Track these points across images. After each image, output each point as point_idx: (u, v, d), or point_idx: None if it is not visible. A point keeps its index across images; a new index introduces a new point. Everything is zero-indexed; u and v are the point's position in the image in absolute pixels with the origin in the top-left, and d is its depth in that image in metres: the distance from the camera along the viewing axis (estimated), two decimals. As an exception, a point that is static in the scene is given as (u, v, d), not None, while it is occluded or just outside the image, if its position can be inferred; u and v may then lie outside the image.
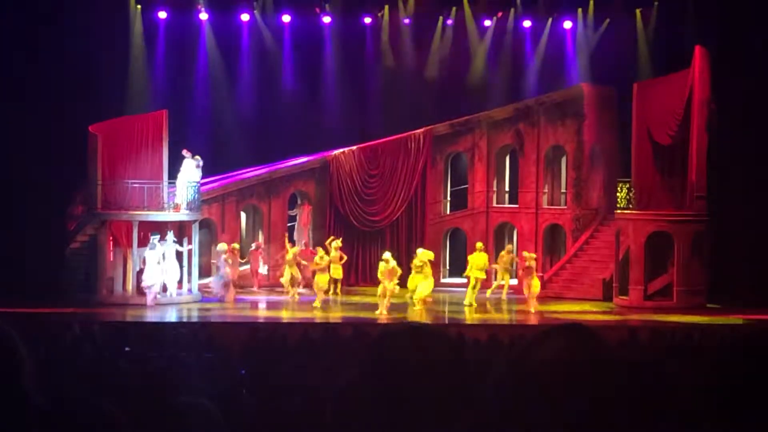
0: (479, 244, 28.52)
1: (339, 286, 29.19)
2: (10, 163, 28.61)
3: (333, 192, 32.60)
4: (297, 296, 27.67)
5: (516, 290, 28.40)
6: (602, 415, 2.61)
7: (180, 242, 27.76)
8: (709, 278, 28.15)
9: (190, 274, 27.99)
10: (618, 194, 28.65)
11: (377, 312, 25.39)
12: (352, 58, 34.56)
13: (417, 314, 25.57)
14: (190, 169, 28.52)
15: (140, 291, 26.76)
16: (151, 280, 26.62)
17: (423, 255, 26.40)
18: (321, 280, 26.90)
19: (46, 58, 29.61)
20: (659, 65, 31.24)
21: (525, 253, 27.73)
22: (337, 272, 28.66)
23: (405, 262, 27.89)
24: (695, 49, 28.19)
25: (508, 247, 30.00)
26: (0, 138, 28.86)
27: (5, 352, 2.89)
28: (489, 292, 28.39)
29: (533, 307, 26.15)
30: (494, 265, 28.88)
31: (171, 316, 25.45)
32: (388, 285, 25.36)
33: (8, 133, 29.03)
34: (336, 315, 26.11)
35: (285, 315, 26.10)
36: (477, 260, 27.72)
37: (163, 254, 26.96)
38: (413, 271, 26.50)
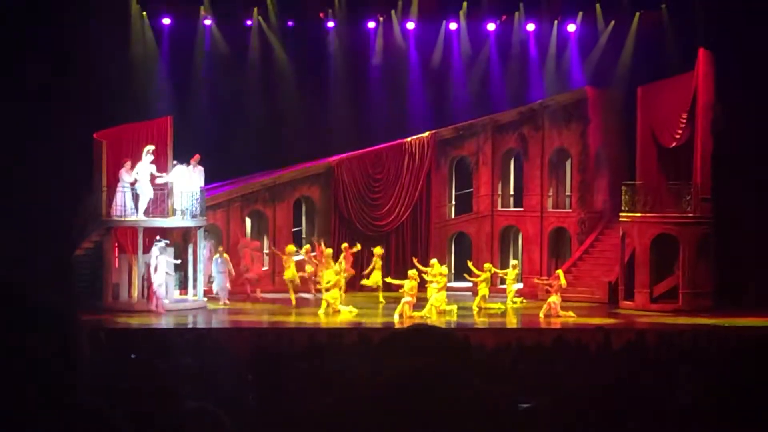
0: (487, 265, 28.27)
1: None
2: (16, 169, 28.62)
3: (338, 197, 32.60)
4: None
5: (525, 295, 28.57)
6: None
7: (185, 249, 27.94)
8: (715, 281, 28.09)
9: (195, 279, 28.00)
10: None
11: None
12: (356, 63, 34.60)
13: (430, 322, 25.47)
14: (186, 176, 28.20)
15: (149, 297, 26.68)
16: (164, 285, 26.80)
17: (437, 268, 26.28)
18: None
19: (51, 64, 29.61)
20: (663, 68, 31.14)
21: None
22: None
23: (408, 266, 27.72)
24: (699, 51, 28.16)
25: (513, 262, 29.77)
26: (5, 143, 28.89)
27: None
28: (509, 302, 28.00)
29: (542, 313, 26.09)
30: (499, 273, 28.91)
31: (177, 321, 25.38)
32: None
33: (13, 139, 29.05)
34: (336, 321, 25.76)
35: (291, 320, 26.05)
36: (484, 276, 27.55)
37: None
38: (428, 282, 26.26)
